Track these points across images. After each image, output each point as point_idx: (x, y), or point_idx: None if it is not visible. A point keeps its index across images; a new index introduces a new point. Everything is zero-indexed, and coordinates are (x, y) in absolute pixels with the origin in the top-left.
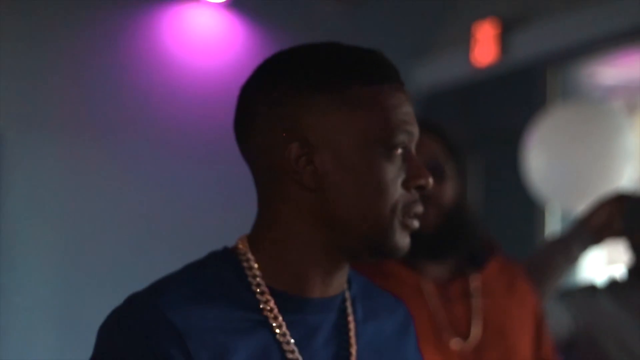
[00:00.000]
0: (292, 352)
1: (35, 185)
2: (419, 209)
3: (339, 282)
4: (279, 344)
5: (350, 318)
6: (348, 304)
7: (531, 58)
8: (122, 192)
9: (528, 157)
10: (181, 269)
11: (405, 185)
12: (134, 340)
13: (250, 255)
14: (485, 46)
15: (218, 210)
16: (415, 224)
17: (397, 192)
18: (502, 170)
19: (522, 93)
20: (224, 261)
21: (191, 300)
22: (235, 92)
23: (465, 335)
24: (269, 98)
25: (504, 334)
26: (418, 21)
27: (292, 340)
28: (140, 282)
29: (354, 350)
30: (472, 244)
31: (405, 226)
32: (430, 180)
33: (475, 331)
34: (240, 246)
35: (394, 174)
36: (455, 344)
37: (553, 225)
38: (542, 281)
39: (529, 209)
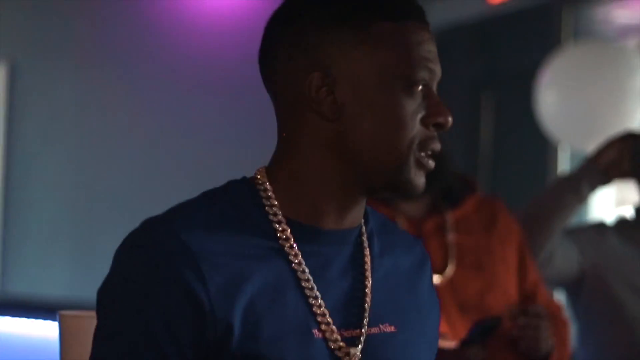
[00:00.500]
0: (307, 280)
1: (48, 113)
2: (437, 146)
3: (355, 216)
4: (294, 272)
5: (367, 252)
6: (364, 238)
7: None
8: (136, 121)
9: (540, 96)
10: (198, 196)
11: (424, 122)
12: (149, 262)
13: (268, 186)
14: None
15: (236, 142)
16: (431, 163)
17: (415, 127)
18: (514, 108)
19: (535, 32)
20: (241, 190)
21: (207, 225)
22: (255, 22)
23: (440, 271)
24: (293, 29)
25: (481, 268)
26: None
27: (307, 270)
28: (154, 210)
29: (369, 282)
30: (445, 181)
31: (420, 164)
32: (450, 119)
33: (450, 266)
34: (259, 176)
35: (413, 110)
36: None
37: (565, 164)
38: (551, 219)
39: (542, 147)
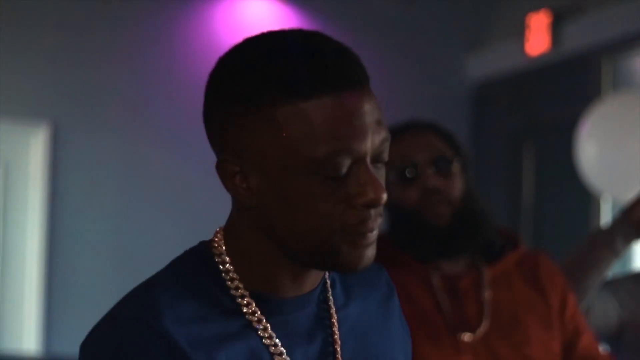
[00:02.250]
0: (280, 354)
1: (90, 174)
2: (372, 225)
3: (313, 279)
4: (267, 347)
5: (332, 309)
6: (329, 295)
7: (584, 48)
8: (178, 187)
9: (581, 147)
10: (159, 274)
11: (350, 203)
12: (125, 353)
13: (225, 256)
14: (538, 36)
15: None
16: (371, 236)
17: (337, 213)
18: (555, 160)
19: (574, 83)
20: (201, 263)
21: (177, 310)
22: None
23: (475, 328)
24: (210, 114)
25: (518, 323)
26: (472, 12)
27: (279, 342)
28: None
29: (338, 338)
30: (484, 239)
31: (354, 244)
32: (383, 195)
33: (485, 323)
34: (216, 244)
35: (327, 194)
36: (464, 336)
37: (607, 215)
38: (586, 274)
39: (583, 199)
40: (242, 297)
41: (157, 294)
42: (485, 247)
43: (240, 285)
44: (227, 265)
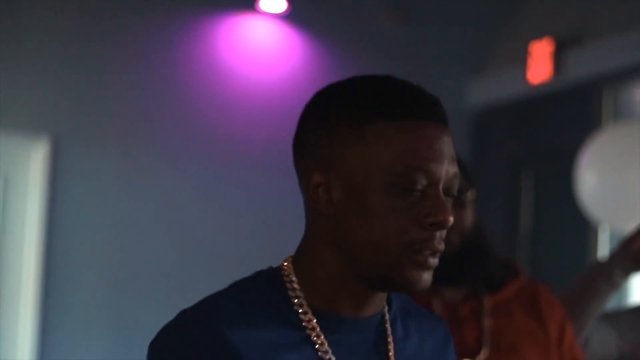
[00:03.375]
0: None
1: (89, 188)
2: (438, 246)
3: (374, 306)
4: None
5: (390, 338)
6: (387, 325)
7: (585, 77)
8: (178, 198)
9: (580, 176)
10: (229, 286)
11: (420, 222)
12: (188, 354)
13: (293, 277)
14: (540, 64)
15: (272, 223)
16: (432, 261)
17: (407, 228)
18: (554, 188)
19: (575, 112)
20: (268, 280)
21: (240, 317)
22: (290, 104)
23: (474, 356)
24: (304, 130)
25: (516, 351)
26: (474, 39)
27: (334, 358)
28: (195, 287)
29: None
30: (489, 269)
31: (417, 263)
32: (450, 218)
33: (484, 351)
34: (285, 267)
35: (404, 210)
36: None
37: (605, 245)
38: (585, 306)
39: (581, 228)
40: (305, 313)
41: (222, 300)
42: (487, 276)
43: (304, 302)
44: (294, 284)
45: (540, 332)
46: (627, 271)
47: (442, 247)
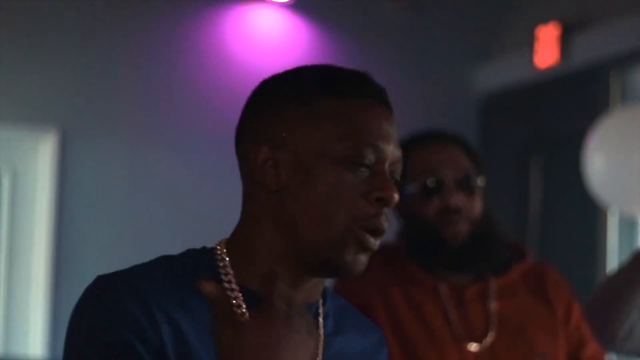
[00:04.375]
0: None
1: (98, 182)
2: (381, 223)
3: (307, 293)
4: None
5: (321, 331)
6: (320, 318)
7: (592, 61)
8: (186, 194)
9: (589, 160)
10: (157, 258)
11: (367, 197)
12: (106, 311)
13: (225, 256)
14: (546, 48)
15: None
16: (373, 242)
17: (354, 203)
18: (562, 172)
19: (583, 96)
20: (199, 257)
21: (163, 284)
22: None
23: (480, 338)
24: (252, 108)
25: (523, 334)
26: (480, 24)
27: None
28: None
29: (319, 358)
30: (497, 257)
31: (361, 244)
32: (396, 196)
33: (491, 334)
34: (218, 246)
35: (352, 185)
36: (470, 346)
37: (613, 229)
38: (628, 295)
39: (590, 212)
40: (232, 290)
41: (146, 269)
42: (494, 260)
43: (233, 280)
44: (226, 261)
45: (547, 314)
46: None
47: (386, 226)
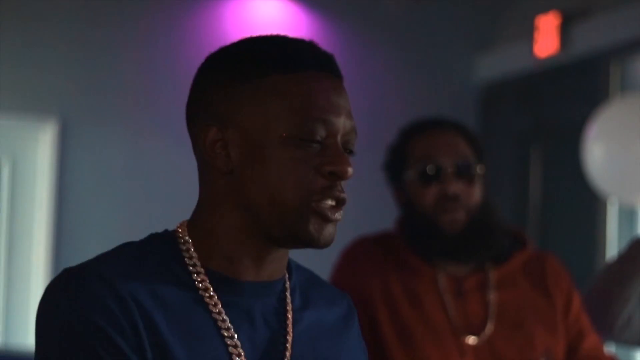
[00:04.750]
0: (227, 329)
1: (98, 172)
2: (338, 194)
3: (274, 268)
4: (215, 321)
5: (289, 306)
6: (287, 293)
7: (593, 50)
8: (185, 183)
9: (588, 150)
10: (119, 246)
11: (319, 170)
12: (79, 304)
13: (187, 238)
14: (546, 38)
15: None
16: (335, 213)
17: (307, 178)
18: (562, 162)
19: (583, 85)
20: (162, 242)
21: (129, 273)
22: None
23: (479, 330)
24: (198, 88)
25: (521, 326)
26: (480, 14)
27: (228, 319)
28: None
29: (289, 336)
30: (496, 246)
31: (319, 214)
32: (349, 169)
33: (489, 326)
34: (180, 229)
35: (304, 161)
36: (468, 338)
37: (613, 218)
38: (628, 282)
39: (589, 201)
40: (198, 273)
41: (111, 257)
42: (494, 250)
43: (198, 263)
44: (189, 244)
45: (547, 306)
46: None
47: (344, 195)
